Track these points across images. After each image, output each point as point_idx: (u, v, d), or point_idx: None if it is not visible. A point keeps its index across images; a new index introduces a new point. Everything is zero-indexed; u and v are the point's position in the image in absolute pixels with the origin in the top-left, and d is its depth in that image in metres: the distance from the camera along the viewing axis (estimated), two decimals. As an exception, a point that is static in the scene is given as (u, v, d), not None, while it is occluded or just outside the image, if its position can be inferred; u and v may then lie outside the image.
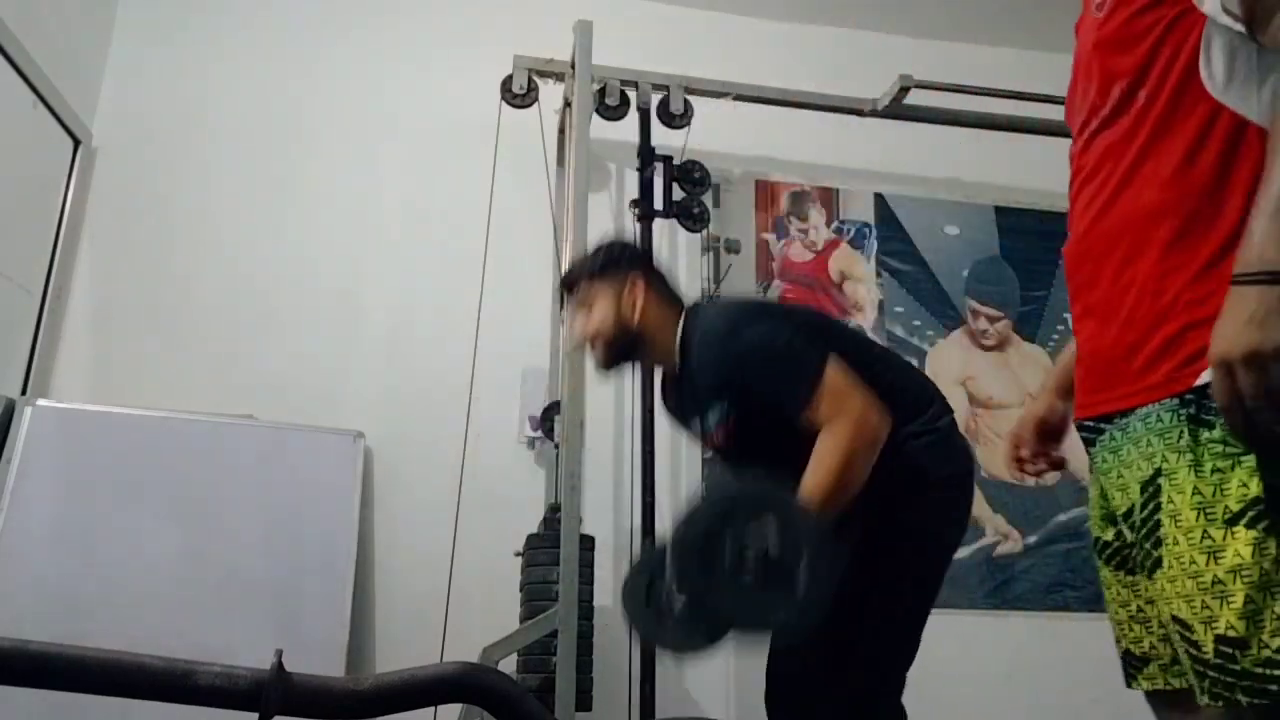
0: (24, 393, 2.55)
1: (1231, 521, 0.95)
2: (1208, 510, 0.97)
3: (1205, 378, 0.97)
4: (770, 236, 3.23)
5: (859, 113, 3.11)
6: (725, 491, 1.53)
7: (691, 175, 2.96)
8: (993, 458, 3.14)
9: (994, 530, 3.06)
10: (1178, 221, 1.04)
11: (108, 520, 2.35)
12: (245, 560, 2.40)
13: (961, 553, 3.01)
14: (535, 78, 2.93)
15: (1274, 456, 0.95)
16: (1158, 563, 1.01)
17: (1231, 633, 0.94)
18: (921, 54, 3.38)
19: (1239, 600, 0.94)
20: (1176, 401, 1.00)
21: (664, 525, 2.81)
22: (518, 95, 2.91)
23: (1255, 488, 0.94)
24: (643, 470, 2.72)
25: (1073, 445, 3.38)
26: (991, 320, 3.31)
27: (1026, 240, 3.41)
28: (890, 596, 1.57)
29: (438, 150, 3.09)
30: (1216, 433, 0.97)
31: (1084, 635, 2.94)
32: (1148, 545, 1.03)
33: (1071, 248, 1.20)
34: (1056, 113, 3.09)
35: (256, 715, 0.87)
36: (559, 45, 2.80)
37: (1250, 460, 0.95)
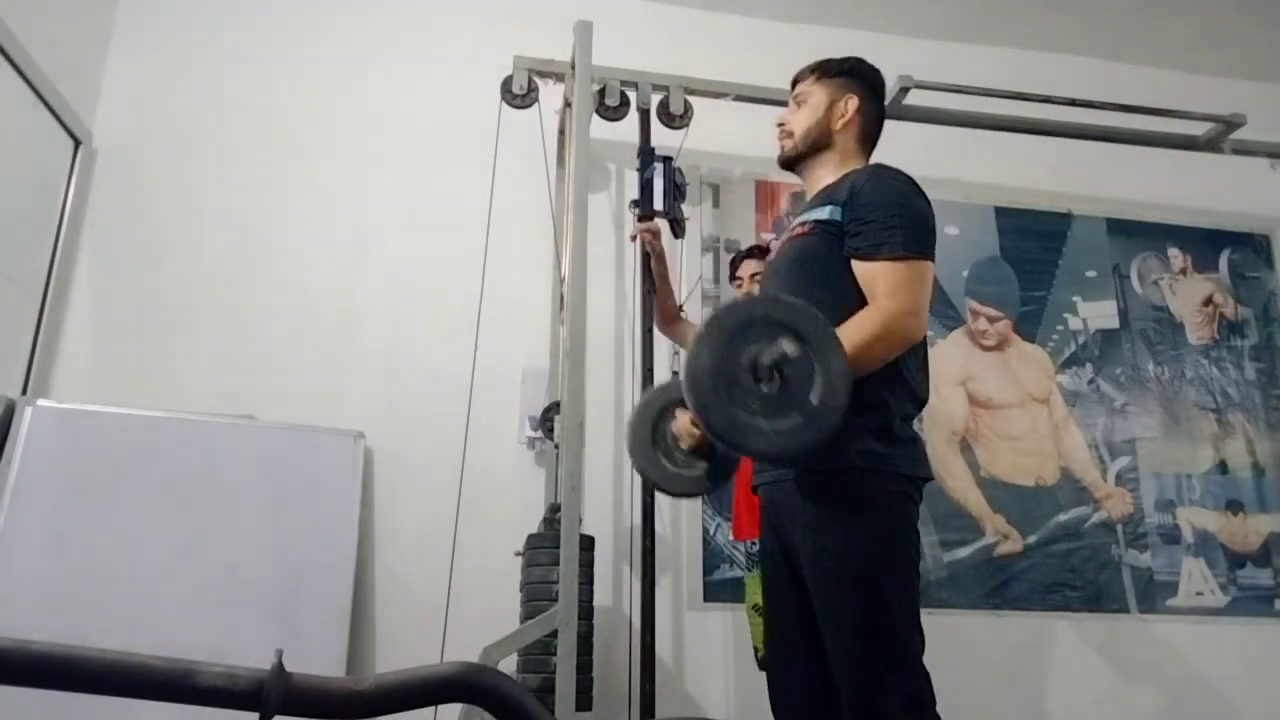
0: (24, 393, 2.55)
1: None
2: None
3: None
4: (770, 236, 3.22)
5: (859, 113, 3.11)
6: (753, 300, 1.48)
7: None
8: (993, 458, 3.14)
9: (994, 530, 3.06)
10: None
11: (108, 520, 2.35)
12: (245, 560, 2.40)
13: (961, 553, 3.03)
14: (535, 78, 2.93)
15: None
16: None
17: None
18: (921, 54, 3.38)
19: None
20: None
21: (664, 525, 2.82)
22: (518, 95, 2.91)
23: None
24: (643, 470, 2.72)
25: (1074, 446, 3.39)
26: (991, 320, 3.31)
27: (1026, 240, 3.41)
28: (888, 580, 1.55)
29: (438, 150, 3.09)
30: None
31: (1084, 635, 2.95)
32: None
33: None
34: (1056, 113, 3.11)
35: (257, 715, 0.87)
36: (559, 45, 2.80)
37: None
